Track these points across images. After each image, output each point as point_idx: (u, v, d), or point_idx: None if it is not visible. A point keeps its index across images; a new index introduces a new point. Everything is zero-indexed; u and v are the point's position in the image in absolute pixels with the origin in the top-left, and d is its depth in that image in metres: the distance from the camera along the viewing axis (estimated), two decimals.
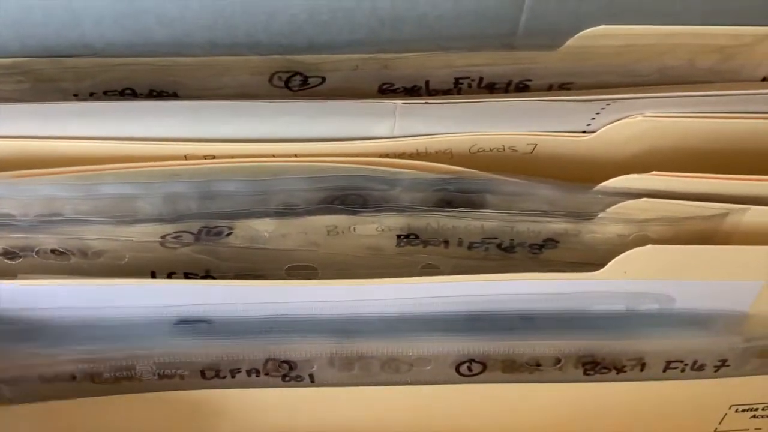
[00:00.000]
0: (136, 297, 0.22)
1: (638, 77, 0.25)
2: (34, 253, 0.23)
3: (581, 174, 0.24)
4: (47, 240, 0.22)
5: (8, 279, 0.22)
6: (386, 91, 0.25)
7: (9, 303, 0.22)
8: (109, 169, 0.22)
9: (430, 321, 0.24)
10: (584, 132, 0.24)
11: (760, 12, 0.24)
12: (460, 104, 0.23)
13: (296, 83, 0.24)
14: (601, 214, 0.23)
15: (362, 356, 0.24)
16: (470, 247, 0.24)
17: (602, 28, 0.23)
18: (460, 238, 0.24)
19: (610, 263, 0.23)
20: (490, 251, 0.24)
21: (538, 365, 0.25)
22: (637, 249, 0.22)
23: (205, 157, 0.23)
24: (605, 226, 0.24)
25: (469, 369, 0.25)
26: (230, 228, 0.23)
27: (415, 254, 0.25)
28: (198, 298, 0.23)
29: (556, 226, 0.24)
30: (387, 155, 0.24)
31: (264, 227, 0.23)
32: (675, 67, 0.25)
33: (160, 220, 0.22)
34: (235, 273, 0.24)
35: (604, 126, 0.24)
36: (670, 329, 0.25)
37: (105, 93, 0.24)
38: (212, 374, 0.24)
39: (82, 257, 0.23)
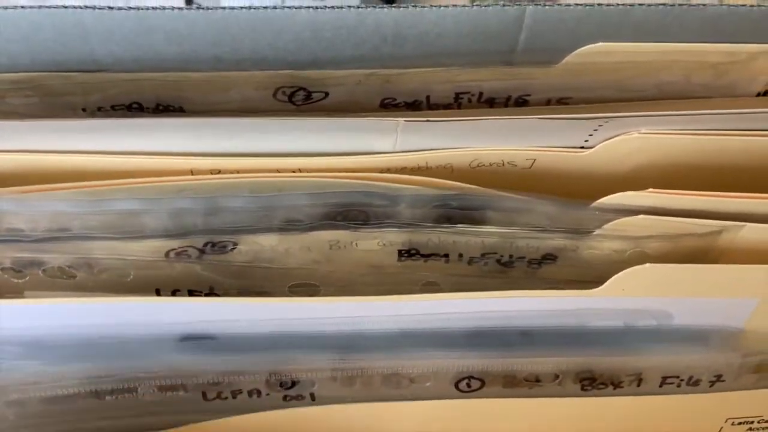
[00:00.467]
0: (141, 314, 0.22)
1: (635, 92, 0.26)
2: (40, 271, 0.23)
3: (579, 189, 0.25)
4: (54, 258, 0.23)
5: (15, 297, 0.22)
6: (388, 105, 0.25)
7: (15, 321, 0.22)
8: (116, 185, 0.22)
9: (430, 337, 0.24)
10: (582, 148, 0.25)
11: (754, 30, 0.24)
12: (460, 121, 0.24)
13: (300, 98, 0.25)
14: (598, 231, 0.24)
15: (363, 372, 0.24)
16: (470, 262, 0.25)
17: (599, 46, 0.24)
18: (460, 254, 0.25)
19: (609, 281, 0.23)
20: (489, 266, 0.25)
21: (537, 381, 0.25)
22: (635, 268, 0.23)
23: (210, 172, 0.23)
24: (603, 243, 0.24)
25: (468, 385, 0.25)
26: (234, 243, 0.23)
27: (416, 270, 0.25)
28: (202, 315, 0.23)
29: (554, 242, 0.24)
30: (389, 170, 0.24)
31: (268, 242, 0.23)
32: (671, 83, 0.25)
33: (166, 235, 0.22)
34: (238, 290, 0.24)
35: (601, 142, 0.25)
36: (667, 345, 0.25)
37: (112, 107, 0.24)
38: (213, 395, 0.24)
39: (88, 273, 0.23)
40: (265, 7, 0.23)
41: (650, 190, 0.23)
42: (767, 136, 0.24)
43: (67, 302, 0.22)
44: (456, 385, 0.25)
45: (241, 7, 0.23)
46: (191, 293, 0.24)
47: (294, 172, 0.24)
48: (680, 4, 0.24)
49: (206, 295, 0.24)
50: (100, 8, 0.22)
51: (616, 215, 0.23)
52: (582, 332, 0.25)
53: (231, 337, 0.23)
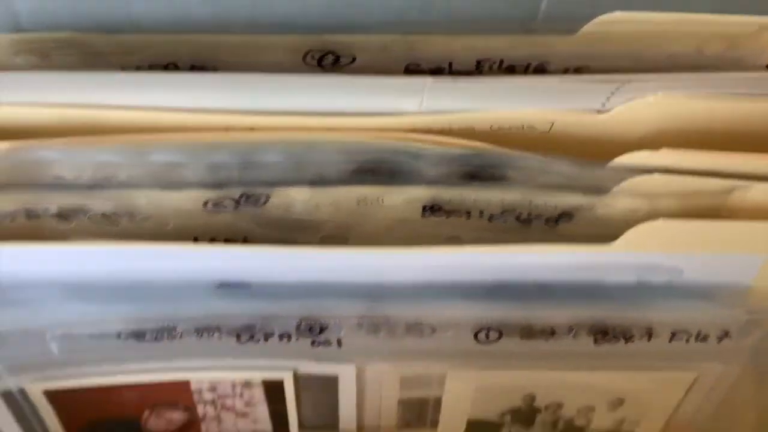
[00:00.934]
0: (180, 260, 0.24)
1: (649, 63, 0.26)
2: (86, 217, 0.24)
3: (596, 152, 0.26)
4: (98, 204, 0.24)
5: (61, 241, 0.23)
6: (412, 70, 0.26)
7: (62, 265, 0.23)
8: (158, 138, 0.23)
9: (452, 289, 0.25)
10: (599, 111, 0.26)
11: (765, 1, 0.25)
12: (485, 82, 0.25)
13: (328, 62, 0.26)
14: (614, 189, 0.25)
15: (388, 320, 0.25)
16: (491, 218, 0.26)
17: (616, 14, 0.25)
18: (481, 210, 0.26)
19: (623, 236, 0.24)
20: (508, 223, 0.26)
21: (553, 333, 0.26)
22: (649, 222, 0.24)
23: (245, 129, 0.24)
24: (618, 201, 0.25)
25: (487, 336, 0.26)
26: (268, 196, 0.24)
27: (439, 225, 0.26)
28: (238, 262, 0.24)
29: (571, 200, 0.25)
30: (414, 130, 0.25)
31: (299, 196, 0.24)
32: (683, 55, 0.26)
33: (204, 186, 0.24)
34: (271, 241, 0.25)
35: (617, 106, 0.26)
36: (678, 301, 0.26)
37: (149, 67, 0.25)
38: (247, 337, 0.25)
39: (131, 221, 0.24)
40: None
41: (665, 149, 0.24)
42: None
43: (111, 247, 0.23)
44: (475, 336, 0.26)
45: None
46: (227, 243, 0.25)
47: (325, 130, 0.25)
48: None
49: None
50: None
51: (632, 174, 0.24)
52: (596, 287, 0.26)
53: (264, 284, 0.24)
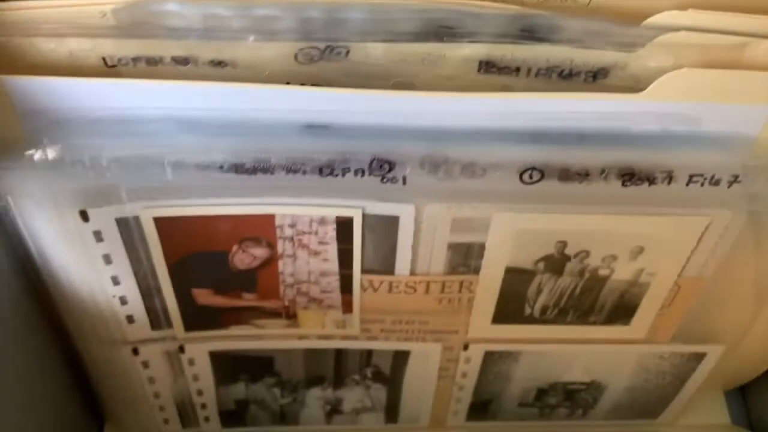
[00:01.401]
0: (274, 102, 0.28)
1: None
2: (196, 64, 0.28)
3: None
4: (207, 52, 0.28)
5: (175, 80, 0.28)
6: None
7: (174, 101, 0.28)
8: None
9: (502, 134, 0.30)
10: None
11: None
12: None
13: None
14: (647, 45, 0.29)
15: (447, 160, 0.30)
16: (537, 74, 0.30)
17: None
18: (529, 68, 0.30)
19: (651, 85, 0.28)
20: (552, 78, 0.30)
21: (587, 174, 0.30)
22: (675, 71, 0.28)
23: None
24: (649, 57, 0.29)
25: (530, 176, 0.30)
26: (348, 49, 0.28)
27: (492, 80, 0.30)
28: (321, 104, 0.28)
29: (607, 57, 0.29)
30: None
31: (374, 51, 0.29)
32: None
33: (295, 38, 0.28)
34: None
35: None
36: (695, 148, 0.30)
37: None
38: (327, 172, 0.30)
39: (233, 69, 0.29)
40: None
41: (691, 9, 0.28)
42: None
43: (217, 86, 0.27)
44: (520, 176, 0.30)
45: None
46: None
47: None
48: None
49: None
50: None
51: (662, 32, 0.28)
52: (625, 135, 0.30)
53: (343, 126, 0.29)
